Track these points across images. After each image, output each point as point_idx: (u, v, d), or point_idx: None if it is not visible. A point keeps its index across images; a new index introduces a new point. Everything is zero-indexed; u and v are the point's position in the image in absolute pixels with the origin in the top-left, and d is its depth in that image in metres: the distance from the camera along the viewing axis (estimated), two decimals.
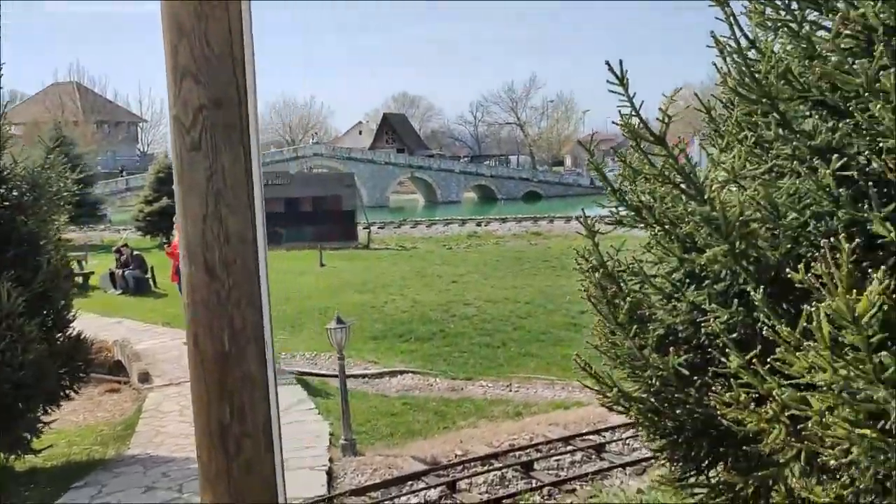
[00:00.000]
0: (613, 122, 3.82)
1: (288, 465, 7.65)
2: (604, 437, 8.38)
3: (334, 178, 42.06)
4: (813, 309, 2.95)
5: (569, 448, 8.20)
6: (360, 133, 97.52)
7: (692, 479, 4.40)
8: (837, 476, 3.38)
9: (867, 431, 2.86)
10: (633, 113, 3.83)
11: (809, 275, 3.18)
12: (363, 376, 13.52)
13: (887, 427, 2.84)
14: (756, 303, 3.36)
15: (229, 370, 2.30)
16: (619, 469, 7.51)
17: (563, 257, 24.95)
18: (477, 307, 19.75)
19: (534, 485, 7.28)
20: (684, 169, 3.81)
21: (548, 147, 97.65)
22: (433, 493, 7.26)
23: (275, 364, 2.39)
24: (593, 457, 8.12)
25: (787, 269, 3.27)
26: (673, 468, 4.51)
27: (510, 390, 12.49)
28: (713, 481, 4.24)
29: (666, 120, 3.74)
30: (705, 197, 3.61)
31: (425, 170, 73.40)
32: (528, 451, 8.22)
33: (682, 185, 3.83)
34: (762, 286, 3.72)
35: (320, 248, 28.67)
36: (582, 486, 7.22)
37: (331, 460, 7.93)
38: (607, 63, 3.81)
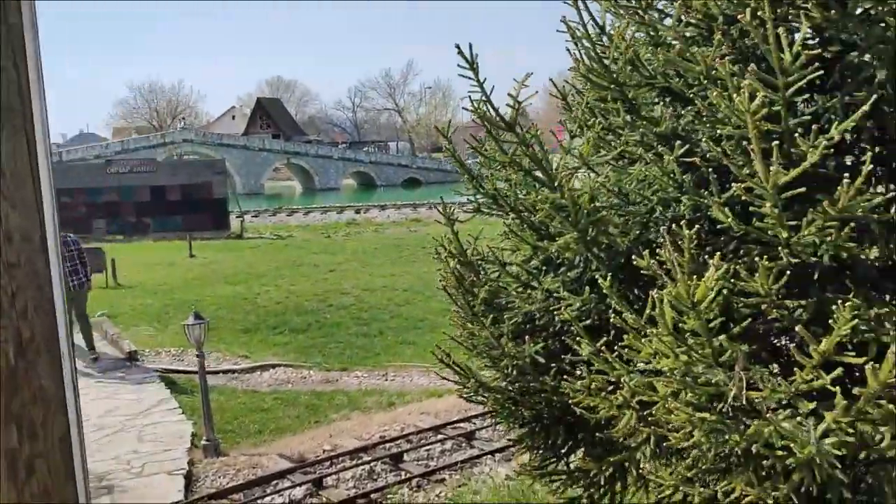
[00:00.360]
0: (464, 108, 3.72)
1: (143, 470, 7.16)
2: (474, 423, 8.41)
3: (204, 165, 40.45)
4: (656, 295, 2.96)
5: (439, 437, 8.16)
6: (234, 118, 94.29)
7: (551, 467, 4.40)
8: (684, 458, 3.44)
9: (706, 415, 2.89)
10: (484, 98, 3.74)
11: (654, 261, 3.20)
12: (233, 371, 13.02)
13: (725, 409, 2.89)
14: (604, 290, 3.35)
15: (17, 387, 2.02)
16: (489, 456, 7.55)
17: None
18: (355, 296, 19.50)
19: (403, 477, 7.19)
20: (536, 155, 3.76)
21: (427, 133, 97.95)
22: (298, 492, 7.03)
23: (75, 375, 2.12)
24: (463, 445, 8.12)
25: (633, 256, 3.28)
26: (533, 456, 4.51)
27: (386, 380, 12.36)
28: (571, 468, 4.26)
29: (516, 106, 3.67)
30: (555, 184, 3.57)
31: (302, 156, 71.86)
32: (398, 442, 8.11)
33: (534, 172, 3.78)
34: (612, 273, 3.74)
35: (189, 239, 27.48)
36: (451, 475, 7.20)
37: (191, 463, 7.53)
38: (457, 46, 3.70)
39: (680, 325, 2.92)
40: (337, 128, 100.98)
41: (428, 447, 7.94)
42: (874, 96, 3.04)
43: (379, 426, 8.63)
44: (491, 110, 3.75)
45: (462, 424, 8.45)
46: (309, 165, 71.38)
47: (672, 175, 3.51)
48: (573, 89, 4.50)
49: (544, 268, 4.27)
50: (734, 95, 2.90)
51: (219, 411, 10.13)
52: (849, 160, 4.04)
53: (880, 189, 3.91)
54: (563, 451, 4.32)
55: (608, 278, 3.37)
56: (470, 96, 3.70)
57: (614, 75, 3.76)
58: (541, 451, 4.45)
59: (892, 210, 3.99)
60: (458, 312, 4.17)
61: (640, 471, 3.54)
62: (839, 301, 2.79)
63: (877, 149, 3.79)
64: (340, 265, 24.77)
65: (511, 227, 4.01)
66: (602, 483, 4.16)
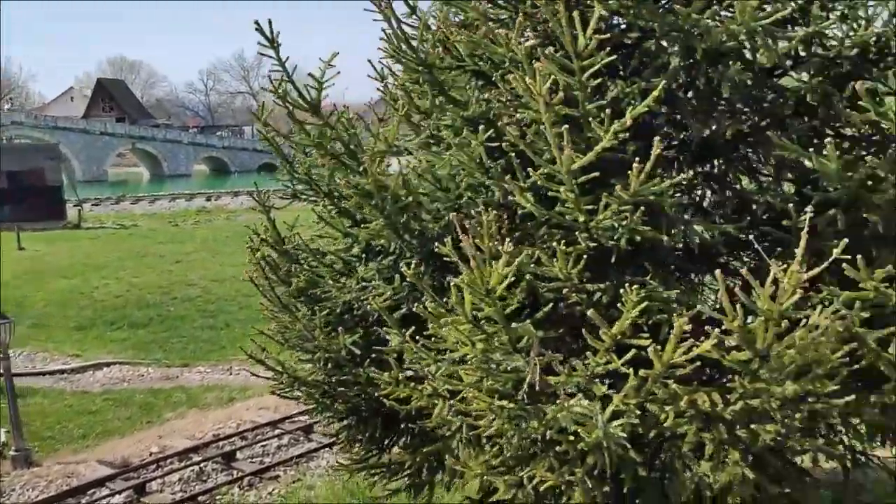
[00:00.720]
0: (262, 88, 3.49)
1: None
2: (314, 416, 8.18)
3: (35, 150, 37.46)
4: (453, 283, 2.89)
5: (277, 432, 7.89)
6: (72, 100, 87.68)
7: (373, 460, 4.29)
8: (494, 446, 3.41)
9: (505, 402, 2.86)
10: (286, 79, 3.53)
11: (467, 246, 3.12)
12: (62, 372, 12.13)
13: (522, 396, 2.86)
14: (408, 278, 3.25)
15: None
16: (327, 449, 7.36)
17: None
18: (202, 287, 18.72)
19: (234, 476, 6.88)
20: (344, 139, 3.60)
21: (284, 118, 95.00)
22: (117, 500, 6.57)
23: None
24: (301, 439, 7.89)
25: (437, 244, 3.20)
26: (356, 450, 4.39)
27: (230, 374, 11.89)
28: (391, 460, 4.16)
29: (318, 87, 3.49)
30: (360, 168, 3.43)
31: (149, 140, 67.98)
32: (232, 439, 7.77)
33: (342, 157, 3.63)
34: (425, 260, 3.65)
35: (18, 229, 25.35)
36: (286, 471, 6.96)
37: None
38: (256, 23, 3.47)
39: (477, 312, 2.87)
40: (189, 111, 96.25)
41: (264, 443, 7.65)
42: (663, 82, 3.08)
43: (213, 424, 8.23)
44: (294, 91, 3.54)
45: (301, 418, 8.21)
46: (157, 150, 67.69)
47: (479, 160, 3.45)
48: (390, 72, 4.38)
49: (363, 255, 4.14)
50: (527, 79, 2.86)
51: (40, 416, 9.38)
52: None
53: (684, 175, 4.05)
54: (383, 443, 4.21)
55: (414, 266, 3.27)
56: (270, 76, 3.48)
57: (422, 56, 3.66)
58: (363, 444, 4.33)
59: (700, 193, 4.17)
60: (267, 305, 3.96)
61: (455, 461, 3.49)
62: (627, 284, 2.82)
63: (681, 135, 3.94)
64: (188, 255, 23.71)
65: (321, 214, 3.84)
66: (423, 474, 4.10)
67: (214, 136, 75.46)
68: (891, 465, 3.84)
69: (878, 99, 3.69)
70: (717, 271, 2.68)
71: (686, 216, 3.58)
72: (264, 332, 4.01)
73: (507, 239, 2.78)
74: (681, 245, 3.58)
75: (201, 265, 21.72)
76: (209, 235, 28.12)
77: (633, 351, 2.86)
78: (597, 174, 2.98)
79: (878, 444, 3.73)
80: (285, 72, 3.51)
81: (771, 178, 3.94)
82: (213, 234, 28.63)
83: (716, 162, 4.00)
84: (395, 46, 3.70)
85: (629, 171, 3.06)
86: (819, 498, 3.69)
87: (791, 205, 3.26)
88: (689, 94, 3.75)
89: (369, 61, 4.46)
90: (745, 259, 3.73)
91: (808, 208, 2.72)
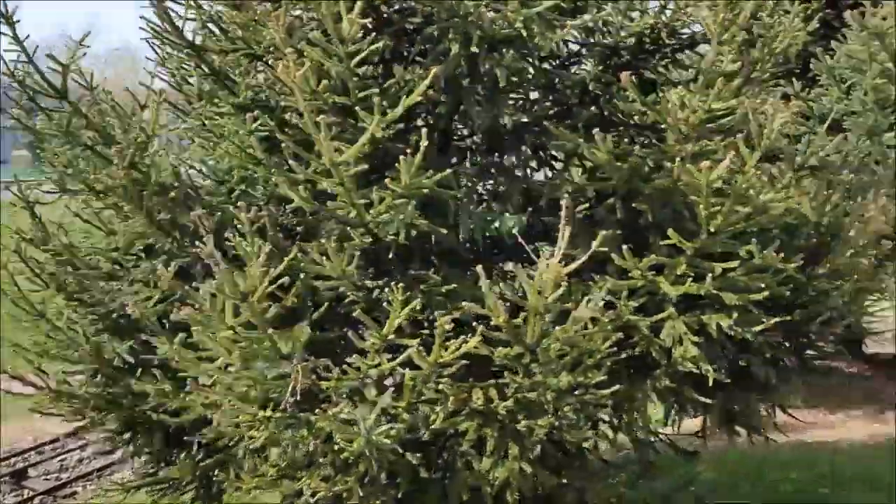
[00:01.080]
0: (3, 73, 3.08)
1: None
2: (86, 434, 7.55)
3: None
4: (203, 289, 2.65)
5: (80, 443, 7.24)
6: None
7: (162, 473, 3.97)
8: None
9: (266, 413, 2.66)
10: (26, 60, 3.13)
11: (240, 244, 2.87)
12: None
13: (283, 406, 2.68)
14: (163, 281, 2.96)
15: None
16: (137, 457, 6.82)
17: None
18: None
19: (23, 497, 6.23)
20: (99, 127, 3.25)
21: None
22: None
23: None
24: (108, 448, 7.31)
25: (197, 244, 2.94)
26: (140, 465, 4.06)
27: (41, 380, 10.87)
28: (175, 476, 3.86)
29: (63, 70, 3.12)
30: (114, 161, 3.10)
31: None
32: (27, 454, 7.05)
33: (97, 147, 3.27)
34: (195, 260, 3.38)
35: None
36: (86, 485, 6.40)
37: None
38: None
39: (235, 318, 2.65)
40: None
41: (63, 457, 7.00)
42: (435, 70, 2.97)
43: (8, 439, 7.45)
44: (36, 74, 3.15)
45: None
46: None
47: (250, 151, 3.21)
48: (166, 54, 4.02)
49: (142, 253, 3.80)
50: (280, 64, 2.66)
51: None
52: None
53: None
54: (168, 457, 3.90)
55: (173, 267, 2.99)
56: (3, 58, 3.07)
57: (188, 38, 3.37)
58: (146, 459, 4.00)
59: (493, 183, 4.13)
60: (16, 313, 3.55)
61: (226, 474, 3.26)
62: (394, 283, 2.70)
63: (472, 124, 3.87)
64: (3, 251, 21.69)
65: (78, 210, 3.47)
66: (211, 487, 3.84)
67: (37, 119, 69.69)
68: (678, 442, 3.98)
69: (659, 90, 3.80)
70: (479, 267, 2.60)
71: (472, 207, 3.51)
72: (18, 344, 3.59)
73: (260, 239, 2.57)
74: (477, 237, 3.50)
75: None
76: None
77: (408, 350, 2.75)
78: (366, 167, 2.83)
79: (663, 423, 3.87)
80: (24, 51, 3.11)
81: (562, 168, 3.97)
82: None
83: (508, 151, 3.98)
84: (160, 27, 3.39)
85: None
86: (619, 482, 3.73)
87: (567, 195, 3.25)
88: (480, 81, 3.66)
89: (146, 40, 4.07)
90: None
91: (566, 199, 2.70)
